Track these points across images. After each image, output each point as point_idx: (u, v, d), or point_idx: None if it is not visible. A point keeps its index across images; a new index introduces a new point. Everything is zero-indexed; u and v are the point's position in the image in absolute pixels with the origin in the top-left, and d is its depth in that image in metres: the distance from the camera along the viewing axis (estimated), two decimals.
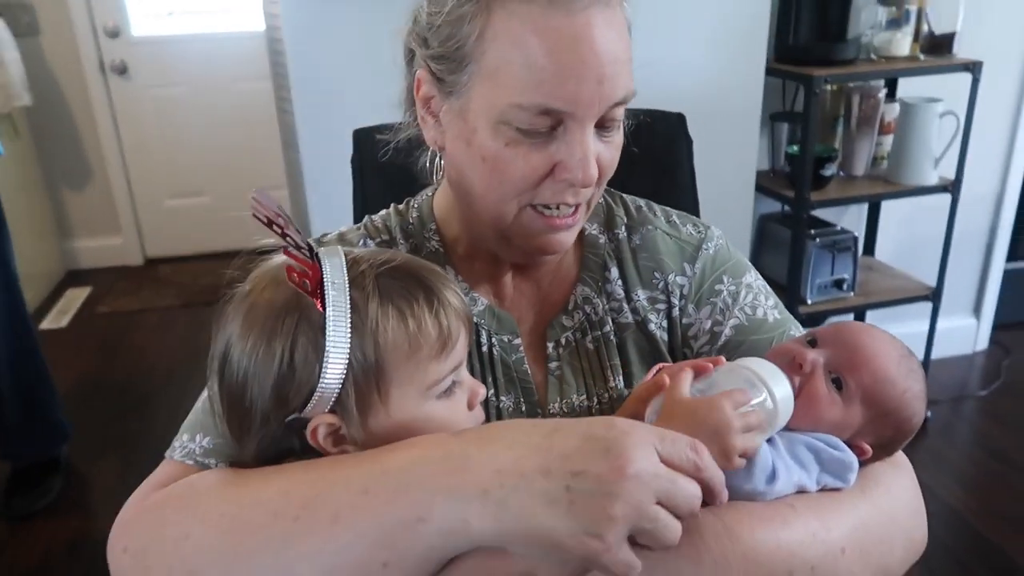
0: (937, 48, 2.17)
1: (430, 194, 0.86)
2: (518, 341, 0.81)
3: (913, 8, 2.12)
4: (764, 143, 2.31)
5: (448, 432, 0.59)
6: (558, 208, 0.72)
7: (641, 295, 0.83)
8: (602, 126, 0.69)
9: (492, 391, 0.79)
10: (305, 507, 0.55)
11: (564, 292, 0.84)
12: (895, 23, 2.14)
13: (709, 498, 0.57)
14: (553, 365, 0.81)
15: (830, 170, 2.18)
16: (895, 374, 0.69)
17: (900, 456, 0.75)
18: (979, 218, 2.65)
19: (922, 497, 0.73)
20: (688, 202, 1.20)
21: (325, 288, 0.58)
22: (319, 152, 1.77)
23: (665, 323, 0.83)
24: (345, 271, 0.59)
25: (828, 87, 2.18)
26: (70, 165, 3.70)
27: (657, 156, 1.16)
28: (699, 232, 0.86)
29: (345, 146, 1.17)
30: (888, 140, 2.27)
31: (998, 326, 2.84)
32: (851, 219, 2.52)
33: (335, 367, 0.58)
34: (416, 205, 0.86)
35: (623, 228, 0.86)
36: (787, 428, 0.67)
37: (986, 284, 2.76)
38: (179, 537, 0.57)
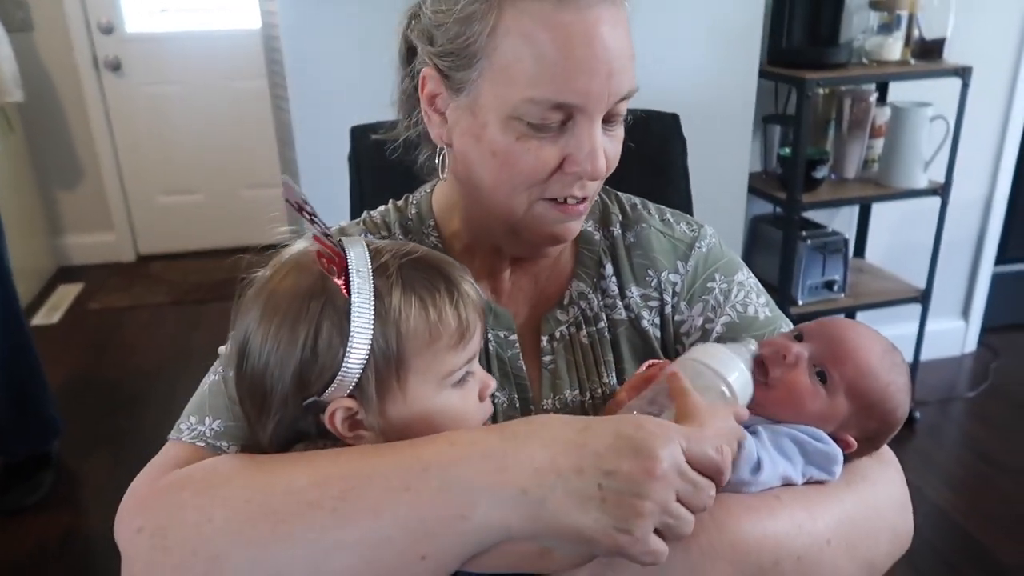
0: (928, 53, 2.19)
1: (428, 190, 0.87)
2: (513, 337, 0.82)
3: (904, 13, 2.14)
4: (757, 145, 2.32)
5: (464, 423, 0.60)
6: (566, 200, 0.73)
7: (635, 292, 0.84)
8: (608, 120, 0.70)
9: None
10: (343, 499, 0.55)
11: (559, 287, 0.85)
12: (886, 28, 2.16)
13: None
14: (547, 359, 0.82)
15: (822, 172, 2.20)
16: (878, 367, 0.71)
17: (887, 451, 0.76)
18: (968, 221, 2.67)
19: (908, 492, 0.74)
20: (681, 202, 1.21)
21: (350, 274, 0.59)
22: (315, 149, 1.77)
23: (658, 320, 0.84)
24: (368, 260, 0.61)
25: (820, 90, 2.20)
26: (63, 161, 3.69)
27: (651, 156, 1.16)
28: (692, 230, 0.87)
29: (341, 143, 1.17)
30: (879, 143, 2.29)
31: (986, 328, 2.86)
32: (842, 221, 2.53)
33: (358, 352, 0.59)
34: (415, 201, 0.87)
35: (618, 225, 0.87)
36: (771, 420, 0.69)
37: (975, 287, 2.78)
38: (201, 520, 0.56)
